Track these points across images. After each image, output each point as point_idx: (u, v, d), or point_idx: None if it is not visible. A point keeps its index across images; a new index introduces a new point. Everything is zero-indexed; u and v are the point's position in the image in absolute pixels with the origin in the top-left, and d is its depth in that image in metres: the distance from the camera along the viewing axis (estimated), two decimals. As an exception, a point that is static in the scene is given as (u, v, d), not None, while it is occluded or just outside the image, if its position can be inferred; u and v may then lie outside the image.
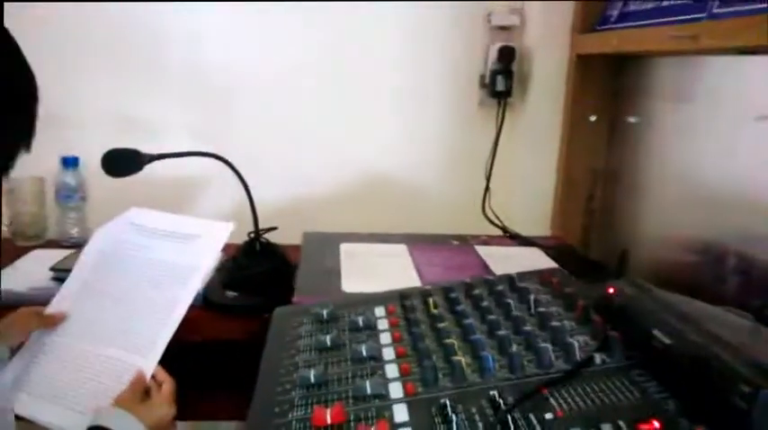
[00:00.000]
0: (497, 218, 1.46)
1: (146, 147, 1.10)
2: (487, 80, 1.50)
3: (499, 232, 1.42)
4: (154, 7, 1.41)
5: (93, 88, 1.45)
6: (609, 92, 1.40)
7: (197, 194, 1.33)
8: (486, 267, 1.09)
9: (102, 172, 1.10)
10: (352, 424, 0.56)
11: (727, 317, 0.60)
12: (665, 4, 1.09)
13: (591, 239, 1.49)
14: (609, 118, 1.42)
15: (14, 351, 0.90)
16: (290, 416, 0.60)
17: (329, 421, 0.57)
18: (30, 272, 1.14)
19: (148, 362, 0.85)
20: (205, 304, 1.09)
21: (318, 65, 1.49)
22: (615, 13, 1.29)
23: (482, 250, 1.20)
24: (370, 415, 0.57)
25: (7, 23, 0.69)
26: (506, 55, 1.48)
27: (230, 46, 1.47)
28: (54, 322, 0.92)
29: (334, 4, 1.44)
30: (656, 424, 0.51)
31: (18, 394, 0.84)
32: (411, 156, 1.56)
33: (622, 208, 1.40)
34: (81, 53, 1.44)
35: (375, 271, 1.02)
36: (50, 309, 0.94)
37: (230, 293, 1.12)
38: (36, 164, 1.40)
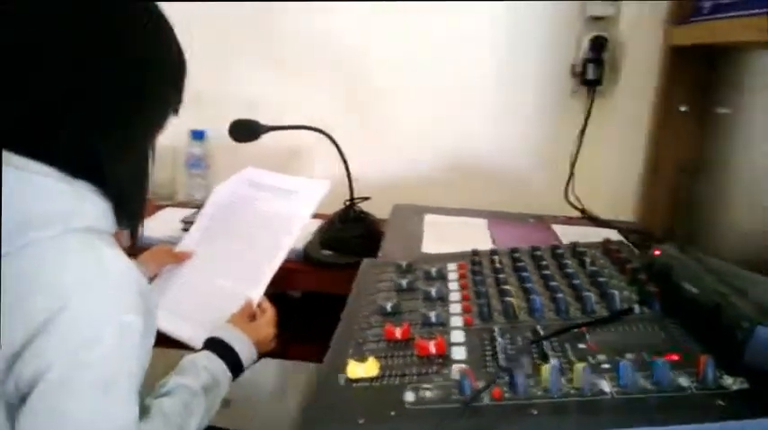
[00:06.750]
0: (580, 203, 1.51)
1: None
2: (579, 69, 1.56)
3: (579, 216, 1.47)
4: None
5: (220, 73, 1.65)
6: (700, 83, 1.40)
7: (305, 164, 1.50)
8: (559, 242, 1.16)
9: (225, 144, 1.29)
10: (416, 339, 0.68)
11: (755, 277, 0.66)
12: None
13: (676, 230, 1.51)
14: (699, 109, 1.42)
15: (150, 281, 1.10)
16: (367, 332, 0.74)
17: (398, 336, 0.70)
18: (164, 223, 1.36)
19: (256, 292, 1.02)
20: (304, 259, 1.26)
21: (418, 51, 1.60)
22: (708, 4, 1.31)
23: (558, 229, 1.27)
24: (431, 335, 0.69)
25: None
26: (598, 45, 1.53)
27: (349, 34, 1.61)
28: (182, 259, 1.12)
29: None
30: (675, 356, 0.59)
31: (154, 312, 1.04)
32: (501, 140, 1.65)
33: (711, 199, 1.40)
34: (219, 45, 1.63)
35: (454, 238, 1.12)
36: (179, 249, 1.13)
37: (326, 252, 1.28)
38: (169, 136, 1.64)
